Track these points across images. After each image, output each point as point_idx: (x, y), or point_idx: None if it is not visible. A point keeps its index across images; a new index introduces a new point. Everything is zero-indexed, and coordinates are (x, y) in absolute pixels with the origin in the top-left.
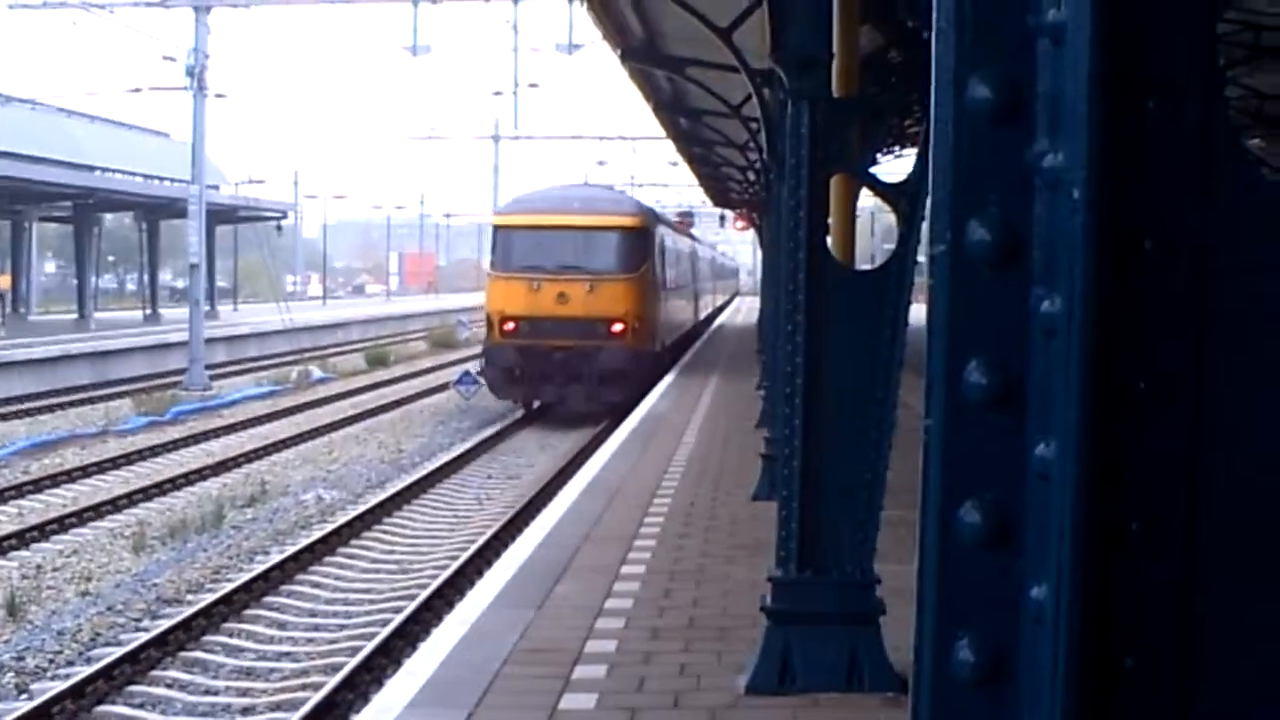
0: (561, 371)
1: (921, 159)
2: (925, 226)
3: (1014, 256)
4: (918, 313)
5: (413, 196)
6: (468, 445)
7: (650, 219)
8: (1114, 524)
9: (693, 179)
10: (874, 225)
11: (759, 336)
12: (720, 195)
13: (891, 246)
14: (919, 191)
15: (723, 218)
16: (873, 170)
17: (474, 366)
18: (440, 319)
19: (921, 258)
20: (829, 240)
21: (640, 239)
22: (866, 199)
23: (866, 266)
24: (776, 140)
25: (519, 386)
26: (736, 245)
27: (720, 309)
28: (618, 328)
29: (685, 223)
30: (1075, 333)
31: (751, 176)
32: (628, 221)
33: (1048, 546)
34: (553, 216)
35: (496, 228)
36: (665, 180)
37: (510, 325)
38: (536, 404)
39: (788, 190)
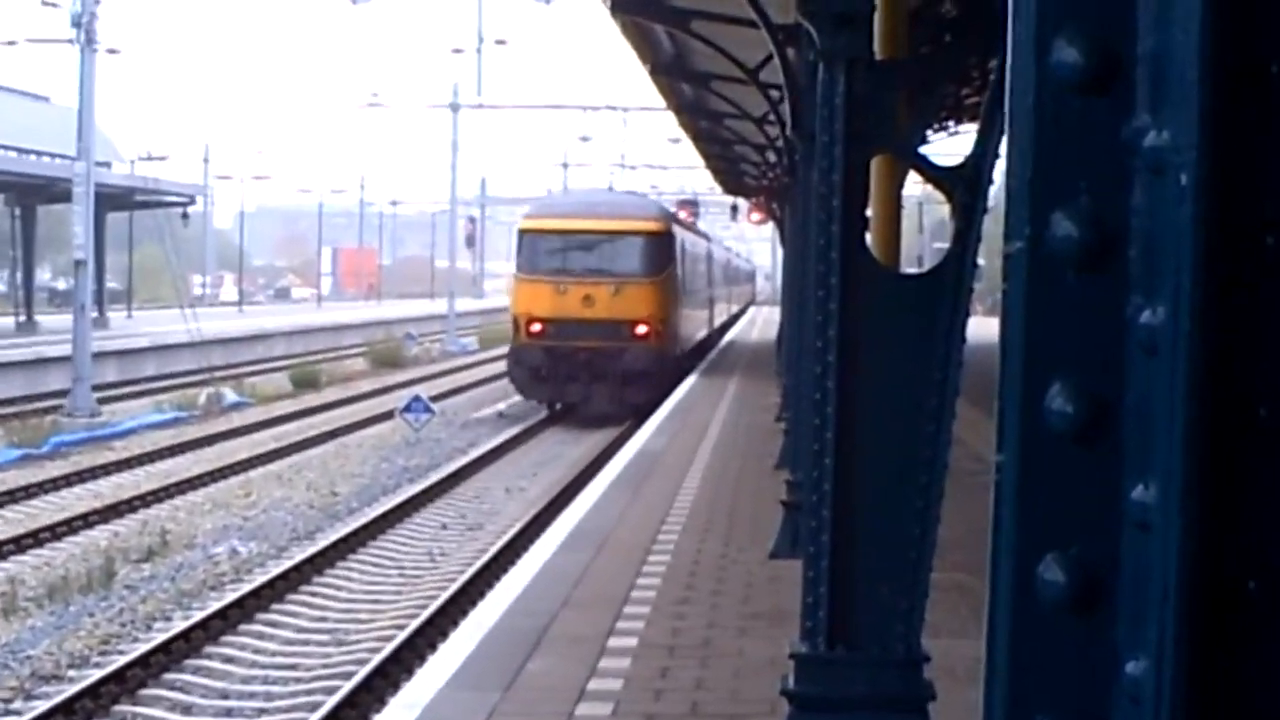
0: (586, 372)
1: (984, 137)
2: (988, 220)
3: (1107, 257)
4: (977, 327)
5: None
6: (418, 487)
7: (672, 222)
8: (1227, 582)
9: (697, 159)
10: (923, 218)
11: (778, 355)
12: (731, 180)
13: (945, 245)
14: (980, 177)
15: (734, 208)
16: (923, 150)
17: (425, 390)
18: (384, 331)
19: (982, 260)
20: (868, 237)
21: (664, 243)
22: (914, 186)
23: (914, 270)
24: (803, 112)
25: (545, 386)
26: (751, 243)
27: (731, 321)
28: (642, 330)
29: (688, 213)
30: (1182, 349)
31: (771, 157)
32: (652, 226)
33: (1147, 610)
34: (578, 220)
35: (522, 231)
36: (663, 160)
37: (536, 327)
38: (558, 405)
39: (817, 174)
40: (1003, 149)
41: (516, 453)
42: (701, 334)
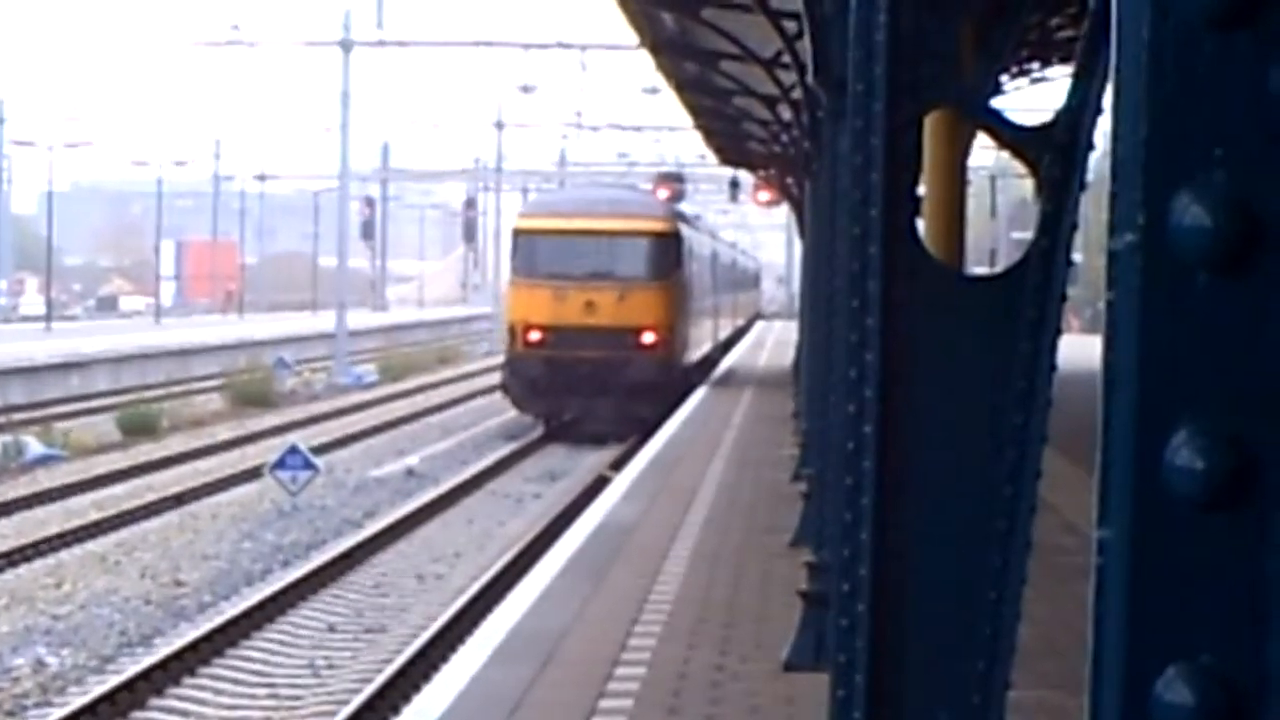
0: (589, 384)
1: (1081, 85)
2: (1086, 201)
3: (1252, 253)
4: (1073, 348)
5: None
6: (296, 573)
7: (680, 222)
8: None
9: (683, 117)
10: (996, 199)
11: (796, 389)
12: (731, 147)
13: (1027, 235)
14: (1076, 141)
15: (734, 185)
16: (995, 105)
17: (306, 439)
18: (248, 357)
19: (1079, 256)
20: (920, 224)
21: (671, 244)
22: (983, 153)
23: (984, 270)
24: (830, 52)
25: (543, 400)
26: (757, 231)
27: (729, 341)
28: (649, 338)
29: (669, 191)
30: None
31: (785, 114)
32: (658, 226)
33: None
34: (578, 220)
35: (517, 231)
36: (635, 118)
37: (535, 335)
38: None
39: (849, 138)
40: (1108, 102)
41: (435, 523)
42: (706, 347)
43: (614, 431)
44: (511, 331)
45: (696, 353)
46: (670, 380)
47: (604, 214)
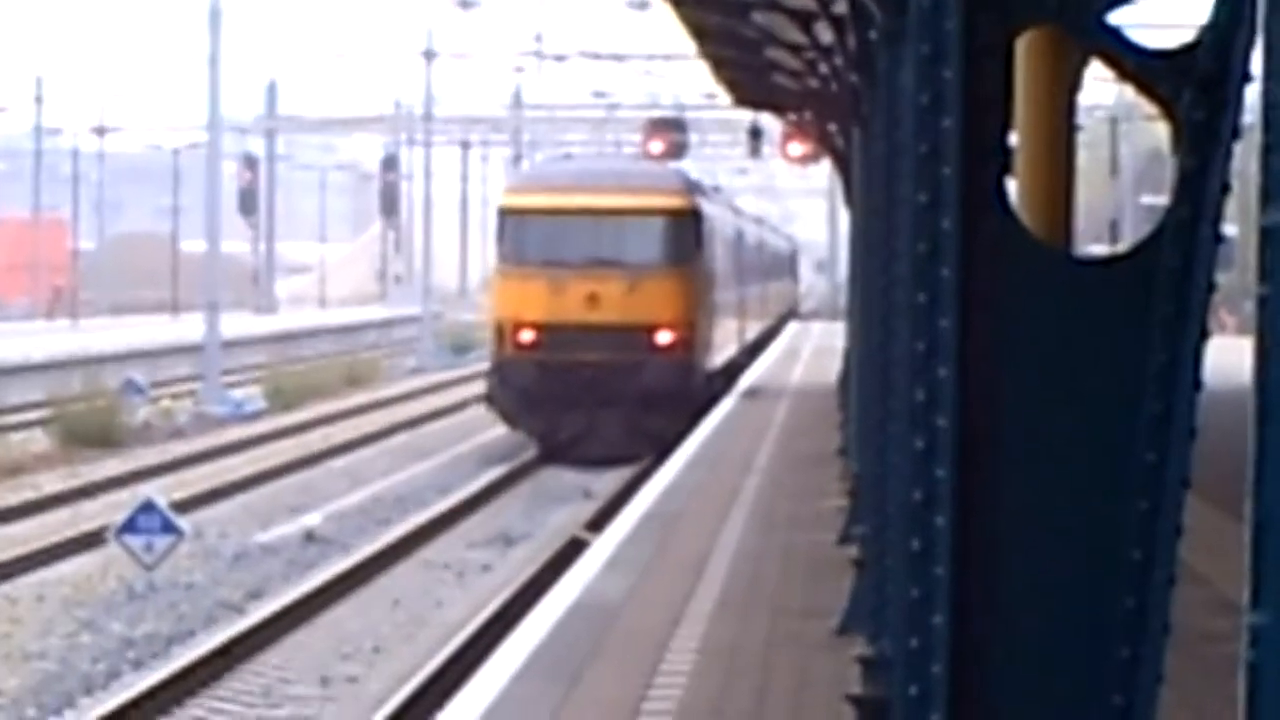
0: (593, 394)
1: None
2: (1241, 153)
3: None
4: (1225, 355)
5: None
6: (153, 678)
7: (699, 196)
8: None
9: (684, 42)
10: (1116, 149)
11: (842, 414)
12: (750, 82)
13: (1160, 201)
14: (1228, 69)
15: (755, 133)
16: (1114, 21)
17: (165, 492)
18: (84, 377)
19: (1232, 228)
20: (1012, 186)
21: (690, 223)
22: (1100, 88)
23: (1102, 249)
24: None
25: (538, 415)
26: (786, 200)
27: (756, 346)
28: (664, 338)
29: (667, 142)
30: None
31: (825, 37)
32: (674, 202)
33: None
34: (577, 196)
35: (504, 211)
36: (617, 44)
37: (528, 336)
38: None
39: (914, 68)
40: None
41: (344, 606)
42: (731, 349)
43: (623, 453)
44: (498, 331)
45: (720, 356)
46: (690, 389)
47: (607, 188)
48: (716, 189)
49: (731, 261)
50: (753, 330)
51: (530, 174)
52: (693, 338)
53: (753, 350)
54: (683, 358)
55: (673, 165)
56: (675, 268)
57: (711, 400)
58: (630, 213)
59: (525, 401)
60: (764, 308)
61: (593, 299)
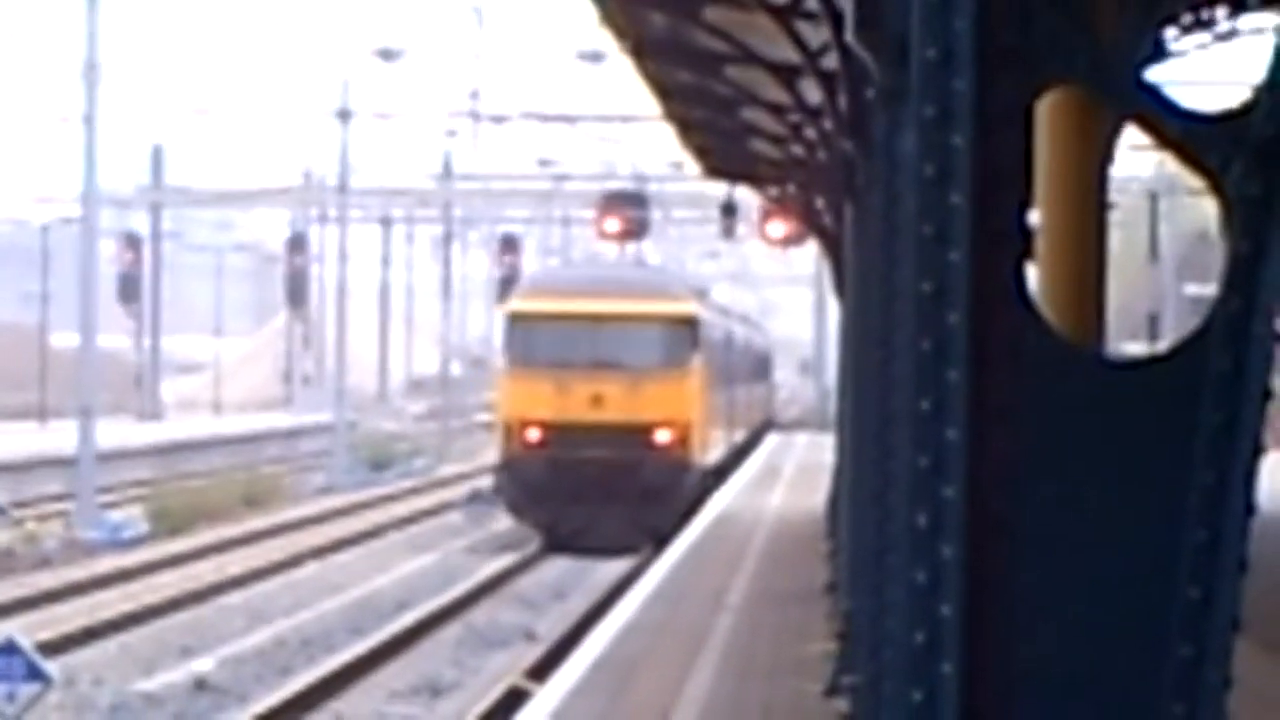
0: (596, 489)
1: None
2: None
3: None
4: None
5: None
6: None
7: (697, 301)
8: None
9: (647, 103)
10: (1156, 229)
11: (831, 543)
12: (724, 149)
13: (1205, 291)
14: None
15: (729, 209)
16: (1152, 79)
17: (30, 633)
18: None
19: None
20: (1032, 272)
21: (688, 329)
22: (1136, 158)
23: (1138, 347)
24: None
25: (543, 508)
26: (764, 289)
27: (724, 467)
28: (664, 436)
29: (624, 220)
30: None
31: (812, 96)
32: (674, 308)
33: None
34: (583, 302)
35: (514, 316)
36: (569, 104)
37: (535, 435)
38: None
39: (917, 134)
40: None
41: None
42: (723, 449)
43: (623, 544)
44: (506, 430)
45: (714, 454)
46: (687, 484)
47: (612, 294)
48: (704, 293)
49: (723, 364)
50: (739, 433)
51: (537, 280)
52: (689, 436)
53: (738, 454)
54: (680, 455)
55: (670, 270)
56: (673, 370)
57: (705, 495)
58: (632, 319)
59: (531, 496)
60: (748, 412)
61: (596, 400)
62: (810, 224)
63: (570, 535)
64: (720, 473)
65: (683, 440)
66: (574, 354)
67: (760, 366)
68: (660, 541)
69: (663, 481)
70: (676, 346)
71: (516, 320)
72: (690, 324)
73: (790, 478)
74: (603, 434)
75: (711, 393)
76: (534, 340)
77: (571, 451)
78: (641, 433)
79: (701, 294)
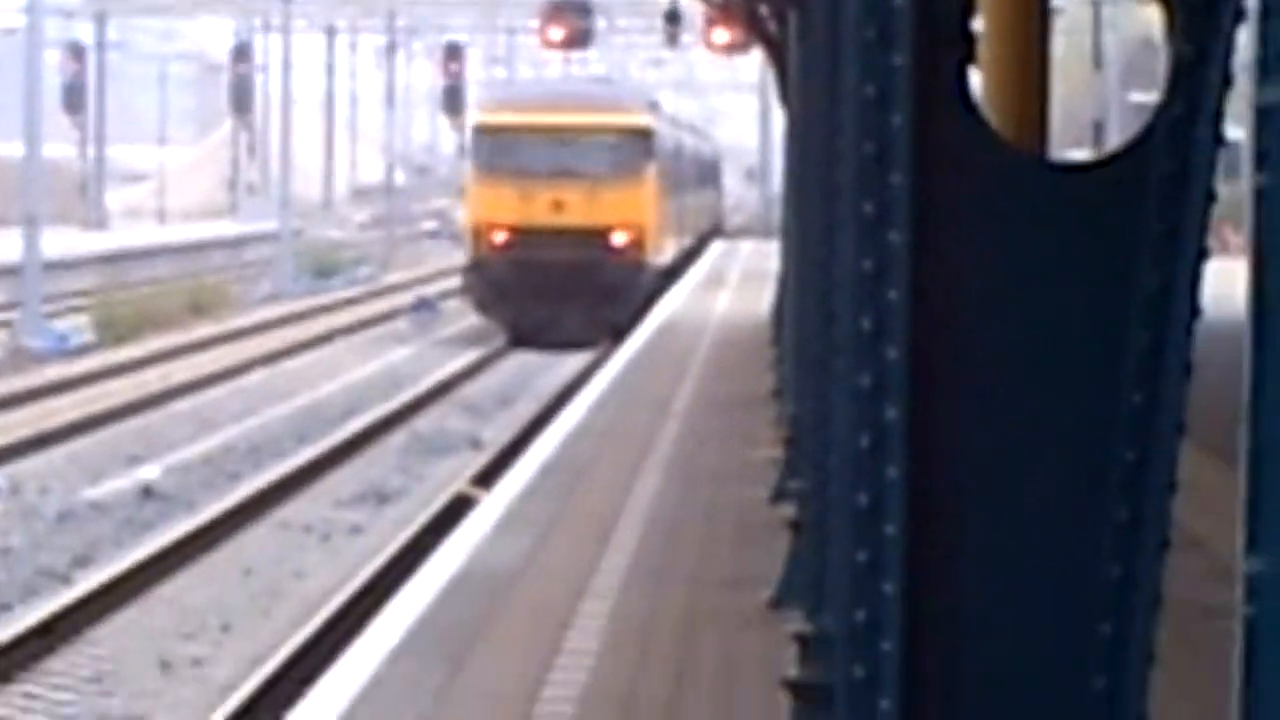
0: (558, 288)
1: None
2: (1244, 42)
3: None
4: (1228, 283)
5: None
6: None
7: (651, 113)
8: None
9: None
10: (1099, 35)
11: (777, 349)
12: None
13: (1150, 98)
14: None
15: (673, 17)
16: None
17: None
18: None
19: (1235, 132)
20: (975, 78)
21: (643, 139)
22: None
23: (1082, 154)
24: None
25: (509, 306)
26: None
27: (674, 269)
28: (621, 238)
29: (569, 28)
30: None
31: None
32: (629, 120)
33: None
34: (546, 115)
35: (477, 128)
36: None
37: (500, 237)
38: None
39: None
40: None
41: (187, 574)
42: (673, 251)
43: (583, 339)
44: (474, 232)
45: (666, 256)
46: (642, 283)
47: (572, 107)
48: (656, 104)
49: (675, 172)
50: (687, 237)
51: (502, 93)
52: (644, 238)
53: (687, 256)
54: (636, 255)
55: (625, 84)
56: (629, 177)
57: (658, 292)
58: (590, 130)
59: (498, 294)
60: (697, 219)
61: (558, 204)
62: (754, 31)
63: (534, 331)
64: (672, 273)
65: (638, 242)
66: (537, 163)
67: (709, 174)
68: (617, 335)
69: (620, 280)
70: (632, 155)
71: (483, 132)
72: (645, 135)
73: (735, 284)
74: (564, 236)
75: (665, 199)
76: (499, 150)
77: (535, 253)
78: (600, 235)
79: (654, 106)
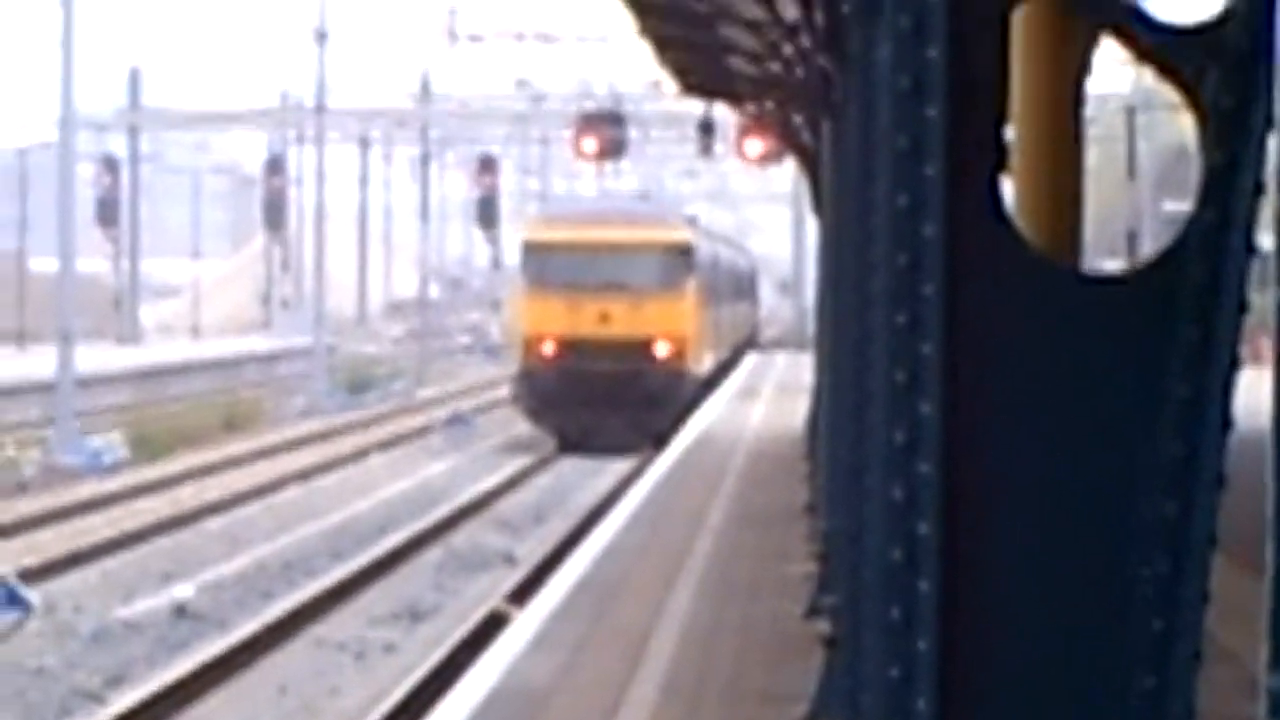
0: (604, 396)
1: None
2: None
3: None
4: (1259, 389)
5: None
6: None
7: (691, 230)
8: None
9: (624, 19)
10: (1134, 144)
11: (811, 463)
12: (702, 67)
13: (1183, 208)
14: (1260, 44)
15: (707, 128)
16: None
17: (3, 560)
18: None
19: (1269, 238)
20: (1008, 188)
21: (683, 255)
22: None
23: (1115, 264)
24: None
25: (557, 413)
26: (744, 208)
27: (712, 379)
28: (663, 349)
29: (602, 140)
30: None
31: (790, 12)
32: (671, 236)
33: None
34: (589, 231)
35: (527, 245)
36: (545, 25)
37: (549, 348)
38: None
39: (892, 46)
40: None
41: (223, 693)
42: (712, 361)
43: (627, 444)
44: (525, 344)
45: (706, 365)
46: (683, 391)
47: (618, 224)
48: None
49: (713, 285)
50: (725, 348)
51: (550, 211)
52: (685, 349)
53: (723, 367)
54: (677, 365)
55: (665, 202)
56: (671, 290)
57: (698, 400)
58: (634, 246)
59: (546, 402)
60: (734, 330)
61: (604, 317)
62: (788, 141)
63: (580, 437)
64: (710, 382)
65: (679, 353)
66: (583, 277)
67: (746, 287)
68: (659, 441)
69: (662, 389)
70: (673, 270)
71: (533, 249)
72: (685, 250)
73: (769, 397)
74: (609, 347)
75: (704, 311)
76: (548, 265)
77: (582, 363)
78: (643, 346)
79: (694, 221)
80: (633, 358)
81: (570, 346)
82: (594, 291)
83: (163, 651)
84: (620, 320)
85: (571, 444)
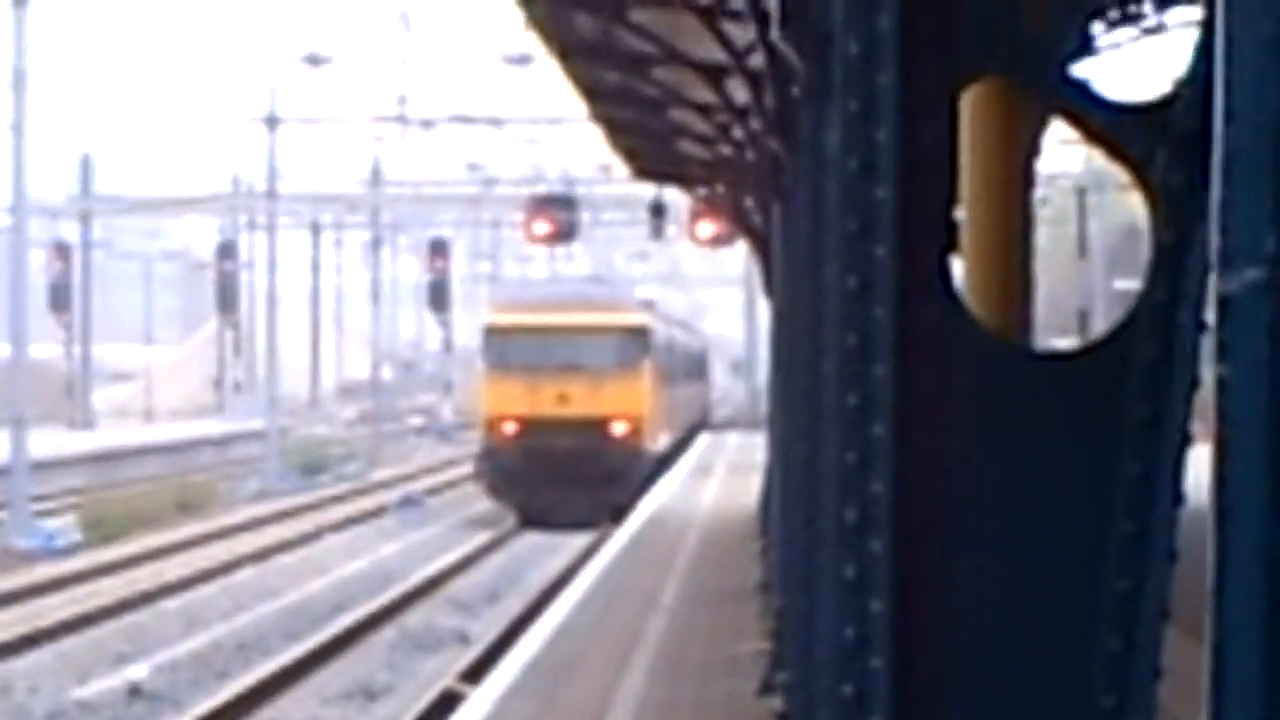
0: (564, 473)
1: (1212, 39)
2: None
3: None
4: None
5: None
6: None
7: (646, 312)
8: None
9: (574, 105)
10: (1084, 224)
11: (764, 540)
12: (652, 151)
13: (1132, 285)
14: (1209, 126)
15: (658, 210)
16: (1078, 73)
17: None
18: None
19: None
20: (957, 267)
21: (641, 337)
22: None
23: (1066, 342)
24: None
25: (519, 490)
26: (695, 290)
27: (668, 456)
28: (620, 428)
29: (553, 223)
30: None
31: (739, 95)
32: (626, 319)
33: None
34: (548, 315)
35: (488, 329)
36: (496, 110)
37: (511, 427)
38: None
39: (841, 129)
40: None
41: None
42: (668, 438)
43: (586, 519)
44: (488, 423)
45: (661, 443)
46: (640, 468)
47: (575, 307)
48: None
49: (667, 366)
50: (679, 427)
51: (510, 296)
52: (641, 427)
53: (678, 446)
54: (634, 443)
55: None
56: (628, 371)
57: (654, 477)
58: (592, 329)
59: (508, 480)
60: (688, 410)
61: (563, 397)
62: (739, 223)
63: (540, 512)
64: (666, 460)
65: (636, 431)
66: (543, 359)
67: (699, 367)
68: (617, 515)
69: (619, 466)
70: (630, 351)
71: (493, 332)
72: (641, 333)
73: (722, 476)
74: (569, 426)
75: (659, 390)
76: (509, 348)
77: (542, 441)
78: (601, 425)
79: (649, 305)
80: (591, 436)
81: (531, 426)
82: (553, 373)
83: None
84: (579, 400)
85: (532, 519)
